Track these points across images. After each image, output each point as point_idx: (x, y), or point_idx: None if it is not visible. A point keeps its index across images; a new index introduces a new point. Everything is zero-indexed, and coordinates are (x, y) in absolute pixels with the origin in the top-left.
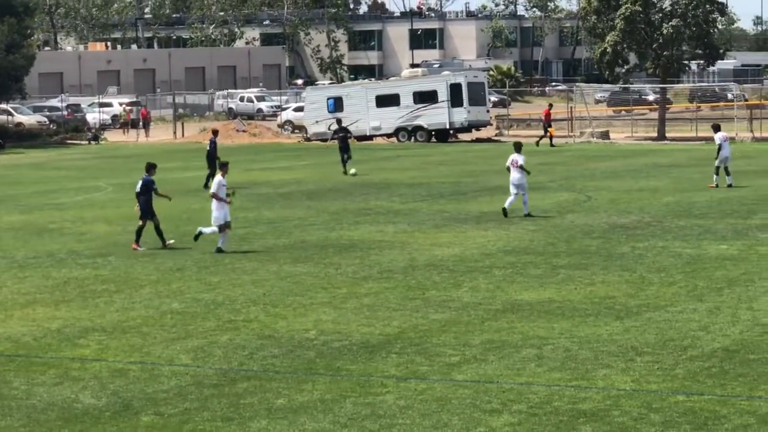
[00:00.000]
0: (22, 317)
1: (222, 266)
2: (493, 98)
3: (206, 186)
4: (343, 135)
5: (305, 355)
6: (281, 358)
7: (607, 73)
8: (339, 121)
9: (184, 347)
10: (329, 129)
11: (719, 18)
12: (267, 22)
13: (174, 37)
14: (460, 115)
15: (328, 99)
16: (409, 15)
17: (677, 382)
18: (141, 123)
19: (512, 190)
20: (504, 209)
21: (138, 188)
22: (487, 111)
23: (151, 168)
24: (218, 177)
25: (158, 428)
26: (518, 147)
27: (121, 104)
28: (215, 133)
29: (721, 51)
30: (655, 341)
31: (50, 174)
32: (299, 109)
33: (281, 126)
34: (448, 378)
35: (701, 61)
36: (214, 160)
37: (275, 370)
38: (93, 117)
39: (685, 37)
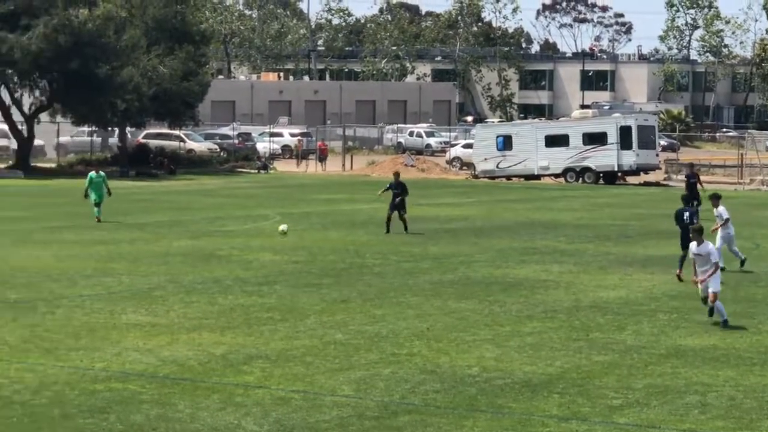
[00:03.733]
0: (188, 341)
1: (387, 299)
2: (663, 142)
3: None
4: (692, 181)
5: (467, 391)
6: (443, 394)
7: None
8: (692, 165)
9: (346, 378)
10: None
11: None
12: (439, 58)
13: (346, 70)
14: (629, 158)
15: (497, 137)
16: (580, 56)
17: None
18: (318, 155)
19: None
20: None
21: (684, 218)
22: (657, 155)
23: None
24: None
25: None
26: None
27: (292, 135)
28: (396, 175)
29: None
30: None
31: (219, 201)
32: (468, 146)
33: (450, 162)
34: (610, 421)
35: None
36: (395, 201)
37: (436, 405)
38: (263, 146)
39: None
